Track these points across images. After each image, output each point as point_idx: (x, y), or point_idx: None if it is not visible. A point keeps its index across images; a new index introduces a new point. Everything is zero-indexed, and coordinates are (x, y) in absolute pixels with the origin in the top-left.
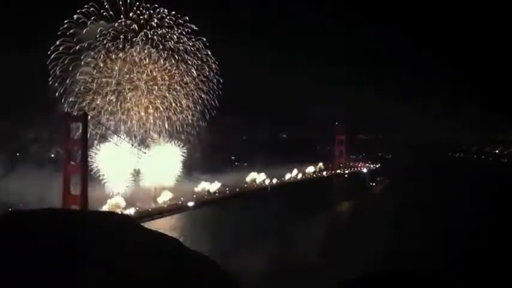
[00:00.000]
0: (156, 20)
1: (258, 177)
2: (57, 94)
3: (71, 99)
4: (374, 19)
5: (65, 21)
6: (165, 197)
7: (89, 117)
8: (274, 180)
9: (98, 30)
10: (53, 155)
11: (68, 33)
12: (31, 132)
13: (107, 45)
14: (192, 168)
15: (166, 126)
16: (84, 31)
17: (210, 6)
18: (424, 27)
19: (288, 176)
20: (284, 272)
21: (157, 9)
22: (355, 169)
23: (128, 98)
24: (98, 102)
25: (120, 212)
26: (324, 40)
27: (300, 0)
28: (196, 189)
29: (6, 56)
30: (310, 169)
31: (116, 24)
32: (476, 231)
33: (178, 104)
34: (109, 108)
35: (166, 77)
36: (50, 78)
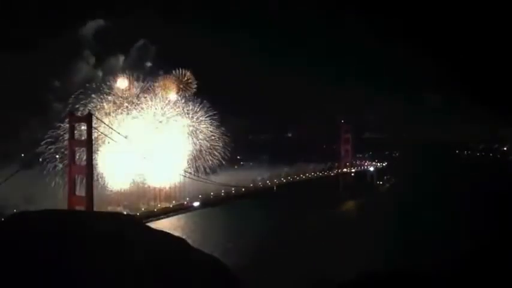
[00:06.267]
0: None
1: (263, 177)
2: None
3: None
4: (377, 17)
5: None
6: None
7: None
8: (280, 179)
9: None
10: (57, 156)
11: (68, 33)
12: (33, 133)
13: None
14: (196, 167)
15: None
16: (84, 30)
17: (210, 5)
18: (427, 24)
19: (294, 175)
20: (289, 268)
21: None
22: (362, 168)
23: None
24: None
25: (125, 212)
26: (327, 37)
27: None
28: None
29: (5, 55)
30: (317, 168)
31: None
32: (482, 232)
33: None
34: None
35: None
36: (51, 78)
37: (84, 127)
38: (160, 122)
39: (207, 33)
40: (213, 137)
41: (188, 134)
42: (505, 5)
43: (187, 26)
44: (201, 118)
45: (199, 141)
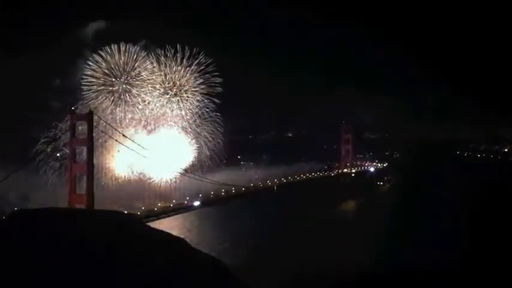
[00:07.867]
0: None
1: (263, 176)
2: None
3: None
4: (378, 18)
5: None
6: None
7: None
8: (280, 179)
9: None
10: (58, 154)
11: (69, 33)
12: (32, 132)
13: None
14: (196, 167)
15: None
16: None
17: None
18: (428, 25)
19: (294, 175)
20: (289, 268)
21: None
22: (362, 168)
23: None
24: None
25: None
26: (328, 38)
27: (299, 2)
28: None
29: (5, 55)
30: (317, 168)
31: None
32: (482, 233)
33: None
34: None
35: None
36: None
37: (81, 127)
38: (158, 124)
39: (207, 34)
40: (213, 137)
41: (188, 134)
42: (504, 7)
43: (187, 26)
44: (201, 118)
45: (200, 141)
